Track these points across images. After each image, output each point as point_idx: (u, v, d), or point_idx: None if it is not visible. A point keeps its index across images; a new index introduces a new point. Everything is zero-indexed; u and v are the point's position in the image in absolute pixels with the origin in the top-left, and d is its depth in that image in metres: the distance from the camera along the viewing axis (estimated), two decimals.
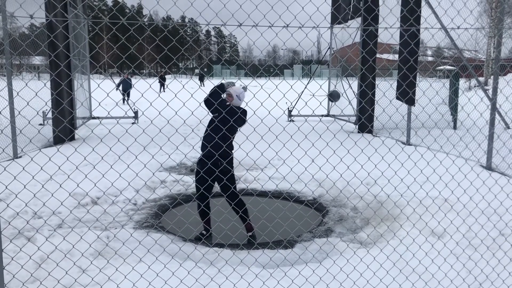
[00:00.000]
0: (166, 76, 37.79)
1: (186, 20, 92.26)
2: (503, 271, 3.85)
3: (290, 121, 14.93)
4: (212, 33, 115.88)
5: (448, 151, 6.74)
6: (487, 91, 9.27)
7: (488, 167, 7.72)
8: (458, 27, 3.83)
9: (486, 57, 26.95)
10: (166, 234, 5.04)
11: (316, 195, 6.58)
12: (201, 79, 41.42)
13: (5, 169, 2.90)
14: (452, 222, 4.41)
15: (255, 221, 5.46)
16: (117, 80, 20.78)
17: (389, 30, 4.27)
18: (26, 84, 2.70)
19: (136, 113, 14.01)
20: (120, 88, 20.41)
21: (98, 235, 4.53)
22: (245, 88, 5.06)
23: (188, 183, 7.21)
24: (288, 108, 15.27)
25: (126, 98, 20.81)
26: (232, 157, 5.01)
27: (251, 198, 6.52)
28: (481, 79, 25.50)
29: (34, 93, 2.80)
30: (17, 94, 2.69)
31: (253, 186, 7.12)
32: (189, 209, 5.88)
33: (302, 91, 5.92)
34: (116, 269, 3.52)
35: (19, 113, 2.79)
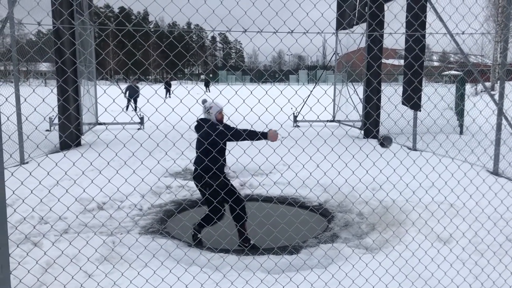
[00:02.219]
0: (172, 82, 37.93)
1: (192, 26, 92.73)
2: (510, 277, 3.82)
3: (295, 126, 14.94)
4: (218, 39, 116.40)
5: (454, 156, 6.71)
6: (493, 96, 9.24)
7: (495, 172, 7.68)
8: (463, 32, 3.83)
9: (492, 62, 26.85)
10: (171, 239, 5.05)
11: (322, 200, 6.57)
12: (207, 85, 41.59)
13: (12, 174, 2.93)
14: (458, 228, 4.39)
15: (260, 226, 5.46)
16: (123, 86, 20.83)
17: (394, 36, 4.27)
18: (34, 90, 2.74)
19: (141, 118, 14.07)
20: (127, 94, 20.44)
21: (104, 240, 4.54)
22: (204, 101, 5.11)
23: (193, 189, 7.22)
24: (294, 113, 15.29)
25: (132, 104, 20.83)
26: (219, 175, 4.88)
27: (256, 203, 6.52)
28: (488, 84, 25.40)
29: (41, 99, 2.83)
30: (25, 100, 2.72)
31: (258, 191, 7.12)
32: (194, 214, 5.89)
33: (307, 97, 5.93)
34: (122, 274, 3.54)
35: (26, 119, 2.82)
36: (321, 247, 4.85)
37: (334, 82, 16.59)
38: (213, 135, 4.38)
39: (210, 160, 4.22)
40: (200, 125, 4.94)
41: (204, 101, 5.05)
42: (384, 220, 5.23)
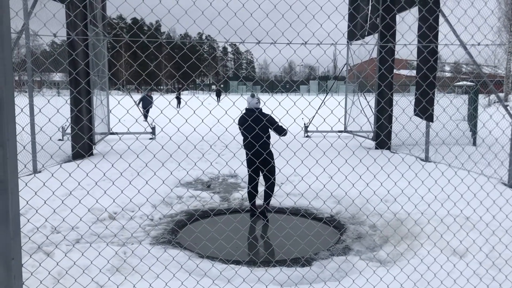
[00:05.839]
0: (183, 92, 38.17)
1: (204, 37, 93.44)
2: None
3: (306, 136, 14.89)
4: (229, 49, 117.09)
5: (470, 168, 6.62)
6: (507, 107, 9.12)
7: (511, 185, 7.55)
8: (479, 44, 3.78)
9: (505, 72, 26.60)
10: (183, 251, 5.03)
11: (334, 212, 6.50)
12: (218, 95, 41.73)
13: (26, 184, 2.93)
14: (475, 241, 4.30)
15: (273, 238, 5.41)
16: (136, 96, 20.99)
17: (407, 47, 4.25)
18: (48, 101, 2.75)
19: (153, 128, 14.14)
20: (141, 105, 20.54)
21: (116, 251, 4.53)
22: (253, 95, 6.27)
23: (204, 199, 7.20)
24: (305, 124, 15.25)
25: (146, 114, 20.92)
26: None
27: (269, 215, 6.48)
28: (501, 94, 25.14)
29: (56, 109, 2.84)
30: (40, 111, 2.74)
31: (270, 202, 7.08)
32: (206, 226, 5.86)
33: (319, 107, 5.90)
34: (134, 286, 3.51)
35: (40, 129, 2.83)
36: (334, 259, 4.78)
37: (345, 93, 16.53)
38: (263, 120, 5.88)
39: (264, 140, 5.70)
40: (248, 113, 6.18)
41: (253, 95, 6.24)
42: (398, 233, 5.15)
